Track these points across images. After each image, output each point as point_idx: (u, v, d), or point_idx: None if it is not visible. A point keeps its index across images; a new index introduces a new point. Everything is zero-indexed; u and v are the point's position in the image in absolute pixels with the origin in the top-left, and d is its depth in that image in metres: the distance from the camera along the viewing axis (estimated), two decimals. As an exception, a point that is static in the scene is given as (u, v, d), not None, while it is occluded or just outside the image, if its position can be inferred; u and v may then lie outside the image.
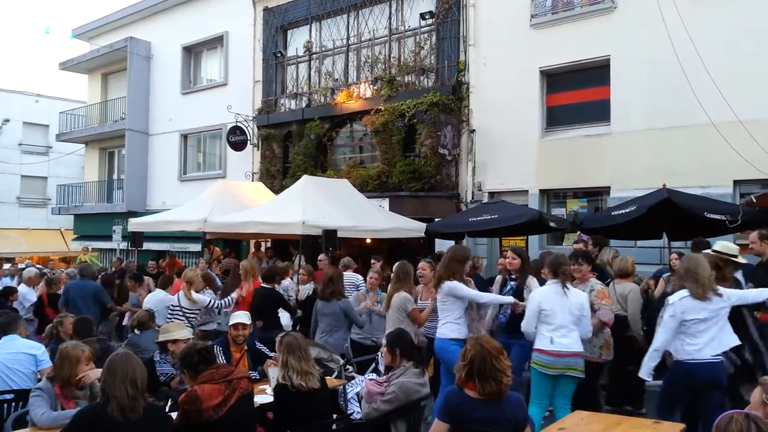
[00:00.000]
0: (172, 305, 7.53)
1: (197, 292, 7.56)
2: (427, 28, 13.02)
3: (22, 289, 9.89)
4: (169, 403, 4.18)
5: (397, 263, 6.54)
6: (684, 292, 4.59)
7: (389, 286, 6.57)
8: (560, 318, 5.02)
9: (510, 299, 5.80)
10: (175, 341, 4.98)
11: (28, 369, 4.99)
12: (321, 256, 9.50)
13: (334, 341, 6.64)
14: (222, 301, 7.86)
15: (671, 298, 4.65)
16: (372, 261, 9.09)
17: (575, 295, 5.15)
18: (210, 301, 7.70)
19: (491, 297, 5.94)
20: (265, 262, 11.61)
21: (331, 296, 6.77)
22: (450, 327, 5.56)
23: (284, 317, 7.84)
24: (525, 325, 5.17)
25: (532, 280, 5.90)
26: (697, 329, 4.52)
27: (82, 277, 9.35)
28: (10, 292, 8.64)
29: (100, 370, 3.44)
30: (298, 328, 8.07)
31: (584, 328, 5.11)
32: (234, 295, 7.86)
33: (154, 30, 19.61)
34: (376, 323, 7.33)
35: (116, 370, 3.24)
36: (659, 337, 4.62)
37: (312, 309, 7.83)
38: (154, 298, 8.21)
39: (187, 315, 7.45)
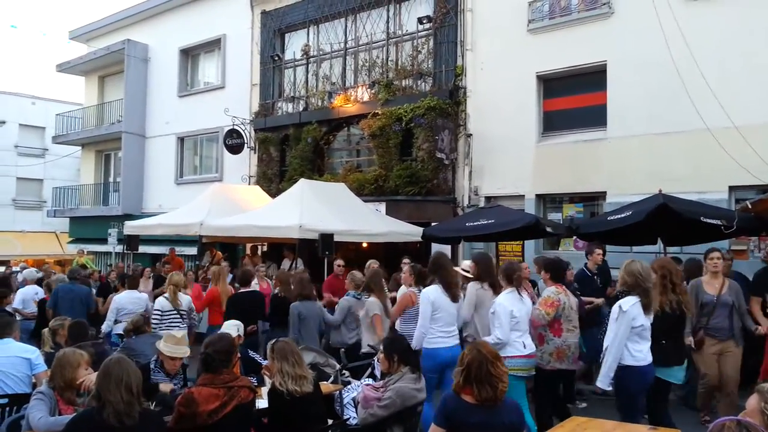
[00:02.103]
0: (162, 309, 7.53)
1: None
2: (425, 32, 13.05)
3: (29, 289, 10.02)
4: (153, 404, 4.13)
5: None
6: (634, 299, 4.71)
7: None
8: (524, 323, 5.33)
9: None
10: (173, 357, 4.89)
11: (23, 373, 4.95)
12: (338, 261, 9.45)
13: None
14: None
15: (624, 306, 4.70)
16: (404, 261, 9.03)
17: (527, 299, 5.50)
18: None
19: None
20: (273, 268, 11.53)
21: (308, 297, 6.88)
22: None
23: None
24: (504, 335, 5.15)
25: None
26: (643, 335, 4.72)
27: (72, 280, 9.44)
28: (4, 295, 8.61)
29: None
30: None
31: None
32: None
33: (152, 32, 19.62)
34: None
35: (111, 374, 3.22)
36: (617, 346, 4.66)
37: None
38: (128, 298, 8.34)
39: (184, 317, 7.65)
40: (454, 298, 5.71)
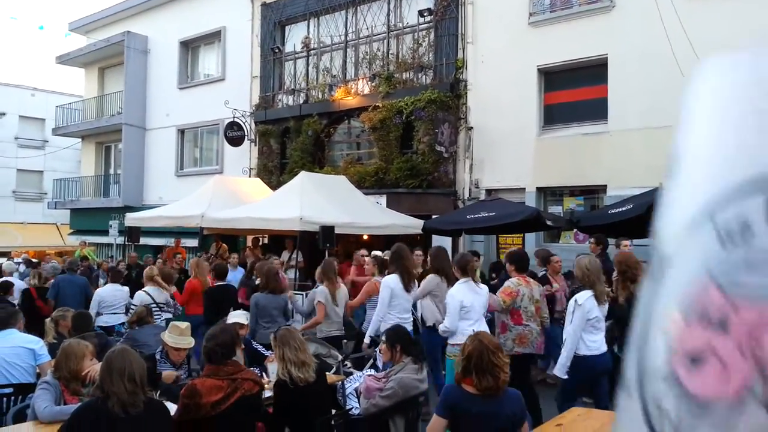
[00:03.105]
0: (142, 302, 7.72)
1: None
2: (426, 25, 13.04)
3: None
4: (157, 394, 4.18)
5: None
6: (588, 293, 5.04)
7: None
8: (476, 312, 5.63)
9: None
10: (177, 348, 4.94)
11: (27, 363, 4.99)
12: (362, 251, 9.45)
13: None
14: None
15: (579, 299, 5.04)
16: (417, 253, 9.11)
17: (483, 289, 5.82)
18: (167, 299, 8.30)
19: None
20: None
21: (275, 290, 6.98)
22: None
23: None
24: (450, 323, 5.51)
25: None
26: (597, 326, 5.07)
27: (70, 271, 9.70)
28: (8, 286, 8.69)
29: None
30: None
31: None
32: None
33: (151, 24, 19.56)
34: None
35: (113, 366, 3.25)
36: (573, 336, 5.00)
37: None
38: (109, 291, 8.58)
39: (163, 310, 8.00)
40: (407, 288, 6.23)
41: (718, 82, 0.28)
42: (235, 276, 9.92)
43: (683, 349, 0.29)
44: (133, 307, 7.80)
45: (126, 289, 8.88)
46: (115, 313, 8.41)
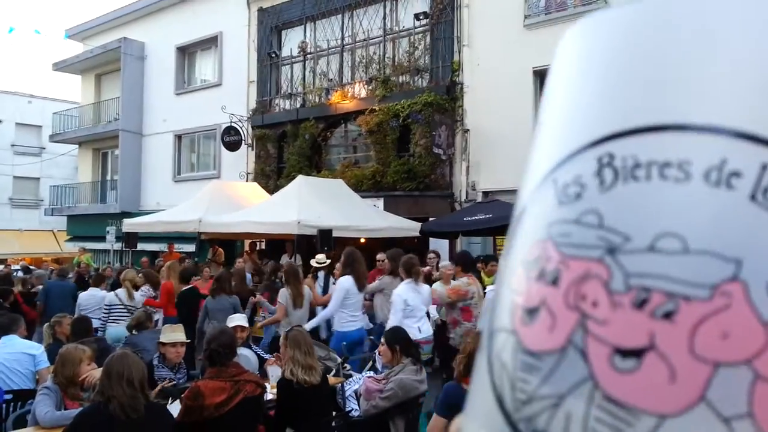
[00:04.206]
0: (110, 304, 7.93)
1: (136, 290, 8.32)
2: (422, 28, 13.08)
3: None
4: (170, 401, 4.20)
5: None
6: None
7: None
8: (419, 310, 6.04)
9: None
10: (174, 344, 4.96)
11: (27, 369, 5.00)
12: (380, 255, 9.42)
13: None
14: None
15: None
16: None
17: (424, 289, 6.27)
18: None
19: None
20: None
21: (221, 293, 7.14)
22: None
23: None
24: (396, 322, 5.76)
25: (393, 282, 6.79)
26: None
27: (60, 277, 9.93)
28: (7, 293, 8.71)
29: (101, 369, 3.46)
30: None
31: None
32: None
33: (148, 30, 19.59)
34: None
35: (112, 371, 3.27)
36: None
37: None
38: (92, 297, 8.64)
39: (132, 311, 7.97)
40: (361, 288, 6.78)
41: (574, 46, 0.33)
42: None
43: (522, 304, 0.33)
44: (104, 308, 7.95)
45: (102, 293, 8.86)
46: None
